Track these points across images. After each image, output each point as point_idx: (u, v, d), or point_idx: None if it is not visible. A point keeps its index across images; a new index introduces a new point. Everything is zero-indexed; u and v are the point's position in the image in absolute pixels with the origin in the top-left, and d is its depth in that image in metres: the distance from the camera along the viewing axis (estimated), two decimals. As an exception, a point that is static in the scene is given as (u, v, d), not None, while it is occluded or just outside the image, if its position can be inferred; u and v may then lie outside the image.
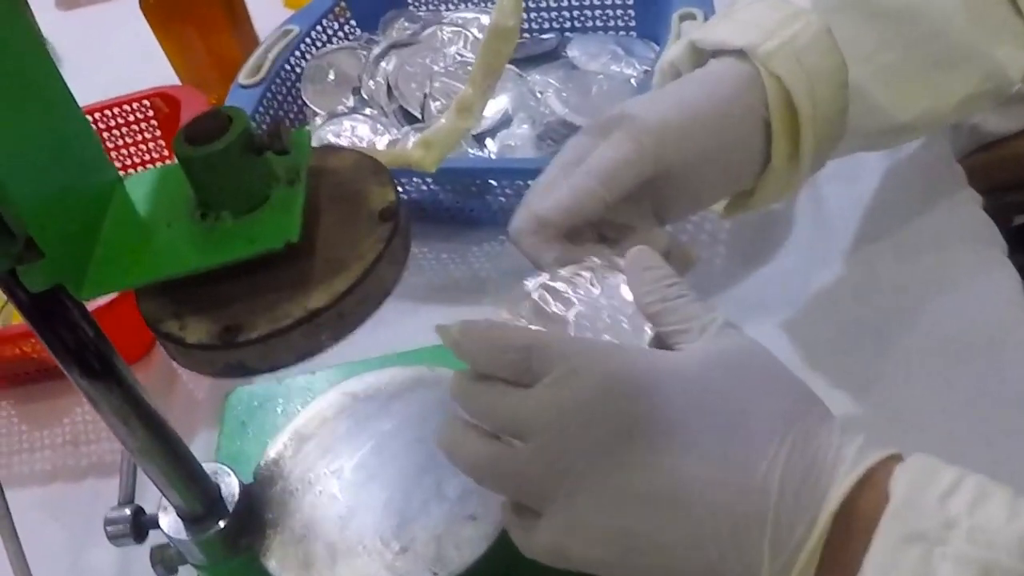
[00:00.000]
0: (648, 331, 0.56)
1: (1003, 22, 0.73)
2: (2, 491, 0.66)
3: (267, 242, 0.50)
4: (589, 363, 0.52)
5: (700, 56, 0.72)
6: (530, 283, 0.61)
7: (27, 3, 0.49)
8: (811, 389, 0.52)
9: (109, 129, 1.15)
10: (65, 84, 0.53)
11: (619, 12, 1.14)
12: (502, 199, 0.92)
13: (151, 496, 0.70)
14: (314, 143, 1.00)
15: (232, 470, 0.71)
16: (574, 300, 0.59)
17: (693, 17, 0.98)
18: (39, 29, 0.50)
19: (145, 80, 1.18)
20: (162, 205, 0.55)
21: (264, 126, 0.84)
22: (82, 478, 0.91)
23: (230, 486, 0.70)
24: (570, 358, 0.52)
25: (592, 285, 0.60)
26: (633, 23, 1.14)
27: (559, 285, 0.60)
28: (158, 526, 0.69)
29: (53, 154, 0.52)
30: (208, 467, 0.69)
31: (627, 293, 0.58)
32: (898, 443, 0.49)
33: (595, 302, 0.59)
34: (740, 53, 0.67)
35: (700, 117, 0.65)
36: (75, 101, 0.54)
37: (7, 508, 0.66)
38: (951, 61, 0.72)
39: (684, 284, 0.57)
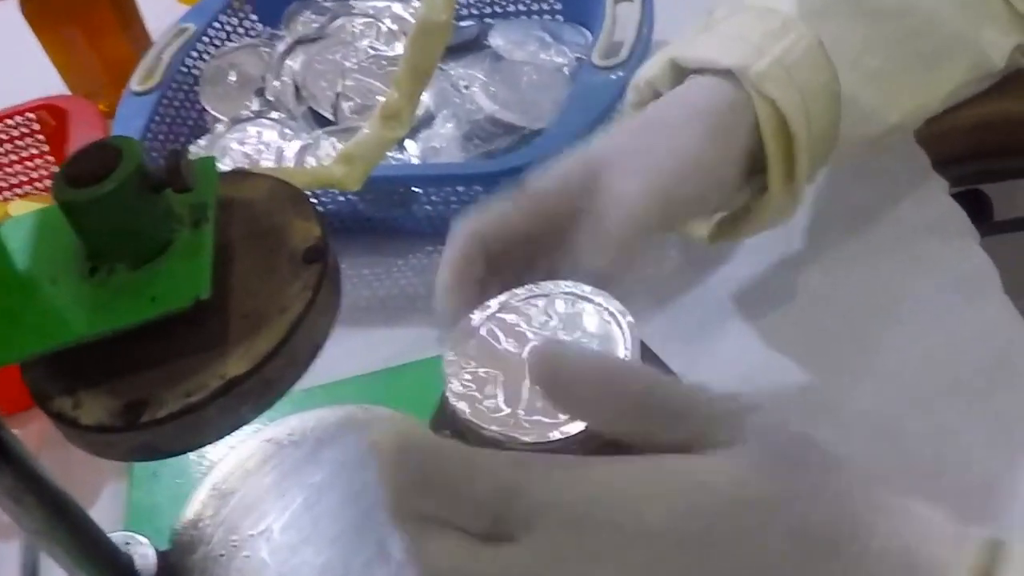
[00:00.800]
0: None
1: (986, 7, 0.70)
2: None
3: (172, 301, 0.42)
4: (605, 508, 0.38)
5: (680, 73, 0.66)
6: (476, 316, 0.53)
7: None
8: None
9: (-11, 146, 1.05)
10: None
11: (544, -6, 1.06)
12: (428, 207, 0.84)
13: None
14: (216, 153, 0.93)
15: (146, 538, 0.63)
16: (528, 334, 0.51)
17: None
18: None
19: (29, 91, 1.08)
20: (44, 257, 0.47)
21: (158, 154, 0.76)
22: None
23: (145, 557, 0.63)
24: (576, 505, 0.38)
25: (548, 315, 0.52)
26: (559, 6, 1.06)
27: (509, 317, 0.52)
28: (65, 609, 0.62)
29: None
30: (118, 537, 0.63)
31: (590, 322, 0.50)
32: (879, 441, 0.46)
33: (553, 335, 0.51)
34: (727, 72, 0.62)
35: (695, 160, 0.60)
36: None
37: None
38: (938, 55, 0.69)
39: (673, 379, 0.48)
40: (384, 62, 0.99)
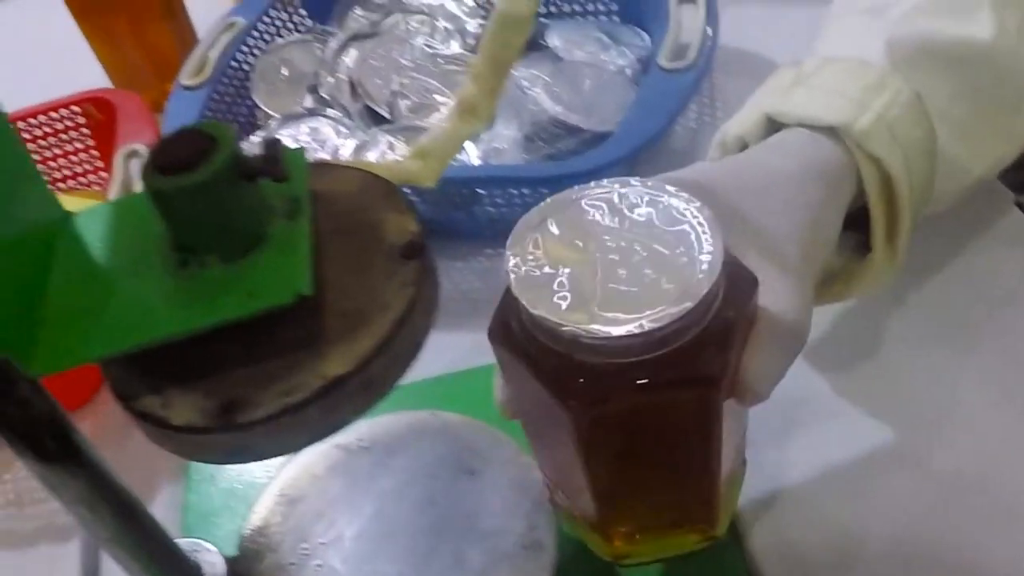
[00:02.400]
0: (705, 258, 0.45)
1: None
2: None
3: (271, 296, 0.40)
4: None
5: (775, 129, 0.64)
6: (534, 215, 0.50)
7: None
8: None
9: (35, 140, 1.04)
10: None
11: (600, -5, 1.05)
12: (491, 209, 0.82)
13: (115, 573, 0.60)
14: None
15: (213, 545, 0.62)
16: (598, 229, 0.48)
17: (693, 1, 0.91)
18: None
19: (73, 83, 1.06)
20: (125, 249, 0.45)
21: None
22: (31, 545, 0.81)
23: (213, 565, 0.61)
24: None
25: (620, 211, 0.49)
26: (615, 7, 1.05)
27: (575, 213, 0.50)
28: (130, 616, 0.60)
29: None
30: (185, 544, 0.61)
31: (675, 223, 0.48)
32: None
33: (627, 228, 0.48)
34: (827, 129, 0.61)
35: (822, 218, 0.58)
36: (5, 118, 0.44)
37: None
38: (1019, 101, 0.67)
39: None
40: (440, 60, 0.97)
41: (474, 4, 1.07)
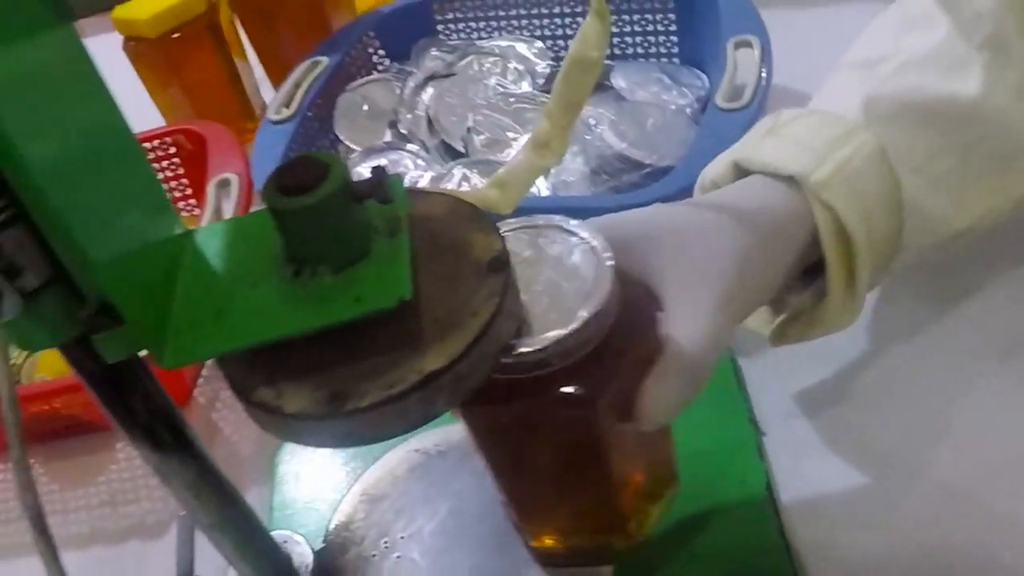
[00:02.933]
0: (595, 295, 0.52)
1: None
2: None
3: (376, 301, 0.46)
4: None
5: (743, 175, 0.67)
6: None
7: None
8: None
9: (128, 168, 1.10)
10: (129, 128, 0.48)
11: (661, 39, 1.11)
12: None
13: (209, 564, 0.67)
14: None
15: (302, 537, 0.67)
16: (516, 253, 0.55)
17: (749, 45, 0.96)
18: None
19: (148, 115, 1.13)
20: (242, 261, 0.51)
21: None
22: (123, 541, 0.86)
23: (302, 556, 0.67)
24: None
25: (537, 245, 0.56)
26: (676, 50, 1.11)
27: None
28: (220, 600, 0.65)
29: (123, 206, 0.48)
30: (277, 535, 0.66)
31: (579, 259, 0.54)
32: None
33: (538, 261, 0.55)
34: (788, 178, 0.63)
35: (747, 264, 0.60)
36: (140, 146, 0.50)
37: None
38: (1009, 158, 0.68)
39: None
40: (511, 99, 1.03)
41: (543, 47, 1.13)
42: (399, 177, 0.51)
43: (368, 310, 0.45)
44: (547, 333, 0.50)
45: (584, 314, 0.51)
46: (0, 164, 0.39)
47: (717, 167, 0.69)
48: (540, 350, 0.50)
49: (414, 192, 0.54)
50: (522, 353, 0.51)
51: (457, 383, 0.46)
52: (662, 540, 0.67)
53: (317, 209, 0.46)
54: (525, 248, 0.56)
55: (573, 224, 0.56)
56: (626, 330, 0.54)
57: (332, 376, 0.47)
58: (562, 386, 0.52)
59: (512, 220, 0.57)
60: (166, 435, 0.53)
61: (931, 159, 0.66)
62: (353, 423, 0.46)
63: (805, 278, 0.66)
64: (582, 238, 0.55)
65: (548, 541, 0.65)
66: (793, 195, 0.63)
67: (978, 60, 0.66)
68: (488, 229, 0.51)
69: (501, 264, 0.49)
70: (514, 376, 0.51)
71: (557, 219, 0.56)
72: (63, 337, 0.46)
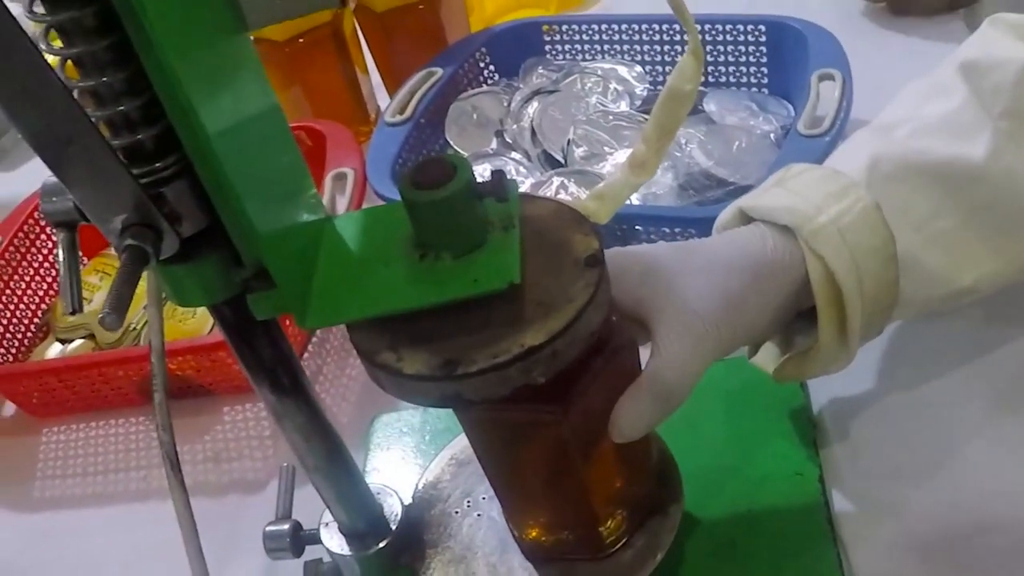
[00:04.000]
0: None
1: None
2: (187, 494, 0.68)
3: (490, 283, 0.53)
4: None
5: (747, 221, 0.71)
6: None
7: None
8: None
9: (252, 160, 1.18)
10: (285, 118, 0.56)
11: (752, 70, 1.18)
12: (646, 243, 0.95)
13: (303, 513, 0.74)
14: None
15: (394, 491, 0.74)
16: None
17: (832, 78, 1.02)
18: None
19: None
20: (375, 244, 0.58)
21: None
22: (223, 494, 0.93)
23: (392, 506, 0.73)
24: None
25: None
26: (765, 80, 1.18)
27: None
28: (316, 542, 0.72)
29: (279, 185, 0.56)
30: (373, 487, 0.73)
31: None
32: None
33: None
34: (785, 227, 0.67)
35: (737, 304, 0.65)
36: (291, 136, 0.58)
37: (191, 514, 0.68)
38: (1017, 226, 0.70)
39: None
40: (610, 117, 1.10)
41: (641, 71, 1.21)
42: (514, 182, 0.59)
43: (482, 291, 0.53)
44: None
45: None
46: (180, 130, 0.46)
47: (726, 213, 0.73)
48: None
49: (525, 196, 0.62)
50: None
51: (552, 358, 0.53)
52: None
53: (444, 203, 0.53)
54: None
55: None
56: (606, 352, 0.60)
57: (446, 346, 0.54)
58: (534, 400, 0.58)
59: None
60: (285, 379, 0.61)
61: (932, 217, 0.68)
62: (462, 386, 0.53)
63: (812, 320, 0.68)
64: None
65: (532, 534, 0.71)
66: (789, 243, 0.66)
67: (991, 128, 0.69)
68: (587, 231, 0.58)
69: (597, 260, 0.56)
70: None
71: None
72: (217, 297, 0.54)
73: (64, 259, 0.52)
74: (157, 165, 0.47)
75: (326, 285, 0.57)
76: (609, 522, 0.68)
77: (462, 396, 0.54)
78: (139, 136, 0.46)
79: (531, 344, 0.53)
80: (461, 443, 0.79)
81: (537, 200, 0.62)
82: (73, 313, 0.53)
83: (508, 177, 0.57)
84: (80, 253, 0.55)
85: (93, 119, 0.44)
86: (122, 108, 0.45)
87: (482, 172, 1.06)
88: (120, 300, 0.45)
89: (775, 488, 0.76)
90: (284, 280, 0.52)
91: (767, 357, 0.75)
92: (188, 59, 0.45)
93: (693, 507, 0.75)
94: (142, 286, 0.52)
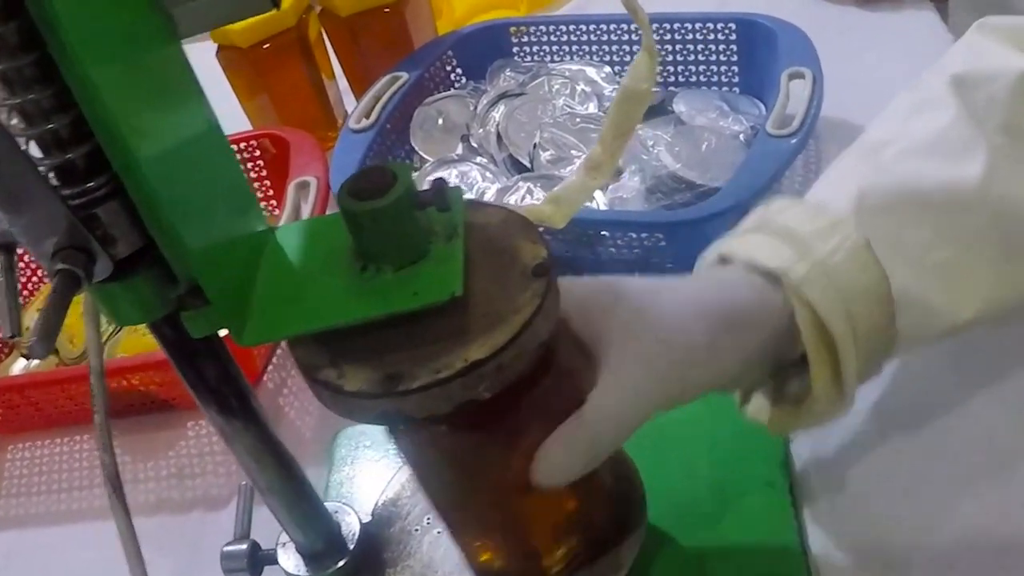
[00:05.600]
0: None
1: None
2: (129, 518, 0.66)
3: (432, 295, 0.52)
4: None
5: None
6: None
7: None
8: None
9: (217, 167, 1.16)
10: (221, 131, 0.54)
11: (723, 68, 1.16)
12: (612, 250, 0.93)
13: (263, 532, 0.72)
14: (424, 187, 1.04)
15: (352, 509, 0.73)
16: None
17: (802, 76, 1.01)
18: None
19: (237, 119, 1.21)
20: (315, 256, 0.57)
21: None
22: (188, 511, 0.92)
23: (350, 525, 0.72)
24: None
25: None
26: (736, 79, 1.16)
27: None
28: (274, 562, 0.71)
29: (214, 201, 0.54)
30: (330, 506, 0.72)
31: None
32: None
33: None
34: (767, 274, 0.62)
35: (704, 350, 0.60)
36: (231, 149, 0.56)
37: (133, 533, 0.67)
38: (1017, 244, 0.66)
39: None
40: (577, 119, 1.09)
41: (610, 72, 1.19)
42: (459, 189, 0.57)
43: (423, 304, 0.51)
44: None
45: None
46: (107, 147, 0.44)
47: (710, 253, 0.68)
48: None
49: (473, 203, 0.60)
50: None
51: (498, 372, 0.52)
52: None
53: (383, 213, 0.52)
54: None
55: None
56: (555, 372, 0.57)
57: (388, 360, 0.52)
58: (480, 417, 0.55)
59: None
60: (233, 400, 0.59)
61: (928, 250, 0.64)
62: (404, 402, 0.52)
63: (803, 366, 0.64)
64: None
65: (481, 558, 0.69)
66: (772, 289, 0.62)
67: (986, 146, 0.65)
68: (536, 239, 0.57)
69: (544, 269, 0.54)
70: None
71: None
72: (155, 315, 0.52)
73: (2, 282, 0.51)
74: (89, 185, 0.46)
75: (265, 300, 0.55)
76: (556, 552, 0.66)
77: (404, 413, 0.52)
78: (69, 155, 0.45)
79: (475, 358, 0.51)
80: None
81: (485, 207, 0.60)
82: (12, 337, 0.52)
83: (454, 185, 0.56)
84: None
85: (22, 138, 0.43)
86: (51, 126, 0.44)
87: (445, 177, 1.04)
88: (48, 327, 0.44)
89: (745, 504, 0.75)
90: (219, 297, 0.51)
91: (759, 407, 0.70)
92: (110, 71, 0.43)
93: (661, 523, 0.73)
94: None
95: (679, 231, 0.88)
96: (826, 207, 0.65)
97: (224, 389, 0.59)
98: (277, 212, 1.06)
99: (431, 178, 1.01)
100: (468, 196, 1.00)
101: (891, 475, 0.75)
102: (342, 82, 1.34)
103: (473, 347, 0.51)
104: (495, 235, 0.58)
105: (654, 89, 1.11)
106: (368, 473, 0.86)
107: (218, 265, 0.52)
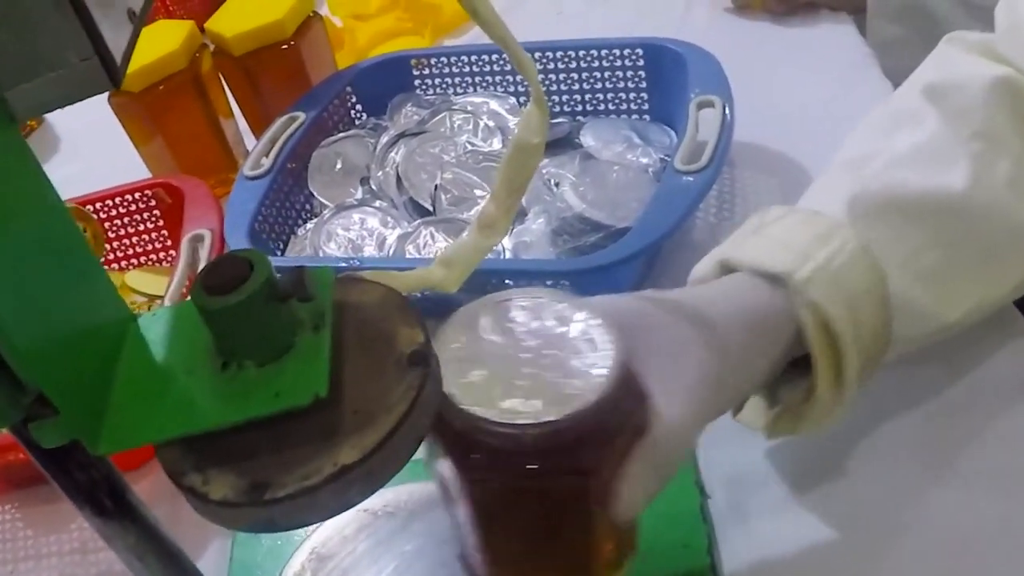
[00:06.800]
0: (597, 372, 0.54)
1: None
2: None
3: (294, 397, 0.48)
4: None
5: (728, 272, 0.69)
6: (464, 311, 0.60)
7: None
8: None
9: (111, 219, 1.13)
10: (68, 214, 0.50)
11: (632, 96, 1.13)
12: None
13: None
14: (322, 237, 1.00)
15: None
16: (518, 325, 0.58)
17: (711, 105, 0.97)
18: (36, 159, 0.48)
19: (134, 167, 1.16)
20: (179, 350, 0.53)
21: (268, 236, 0.82)
22: None
23: None
24: None
25: (540, 318, 0.58)
26: (646, 107, 1.13)
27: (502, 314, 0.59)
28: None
29: (58, 293, 0.50)
30: None
31: (587, 336, 0.56)
32: None
33: (541, 333, 0.57)
34: (773, 276, 0.65)
35: (734, 361, 0.62)
36: (79, 232, 0.52)
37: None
38: (1000, 247, 0.70)
39: None
40: (480, 157, 1.05)
41: (515, 103, 1.15)
42: (326, 269, 0.53)
43: (285, 406, 0.48)
44: (555, 410, 0.53)
45: (591, 395, 0.53)
46: None
47: (704, 267, 0.70)
48: (550, 423, 0.53)
49: (347, 280, 0.56)
50: (534, 424, 0.53)
51: (369, 477, 0.48)
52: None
53: (238, 309, 0.48)
54: (532, 319, 0.58)
55: (575, 301, 0.59)
56: (618, 410, 0.55)
57: (255, 465, 0.49)
58: (565, 459, 0.54)
59: (517, 289, 0.60)
60: (107, 501, 0.55)
61: (916, 254, 0.67)
62: (272, 512, 0.48)
63: (798, 370, 0.66)
64: (588, 318, 0.57)
65: None
66: (777, 293, 0.64)
67: (965, 153, 0.68)
68: (413, 321, 0.53)
69: (421, 358, 0.51)
70: (514, 446, 0.54)
71: (560, 294, 0.59)
72: (11, 421, 0.48)
73: None
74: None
75: (123, 401, 0.51)
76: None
77: (275, 523, 0.49)
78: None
79: (344, 463, 0.47)
80: (322, 535, 0.74)
81: (360, 284, 0.57)
82: None
83: (316, 268, 0.52)
84: None
85: None
86: None
87: (345, 224, 1.00)
88: None
89: (662, 570, 0.71)
90: (68, 403, 0.47)
91: (754, 414, 0.71)
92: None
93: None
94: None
95: (586, 278, 0.84)
96: (822, 214, 0.68)
97: (96, 491, 0.54)
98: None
99: (331, 225, 0.98)
100: (369, 246, 0.97)
101: (812, 534, 0.73)
102: (242, 122, 1.29)
103: (344, 449, 0.48)
104: (370, 317, 0.54)
105: (560, 120, 1.09)
106: (274, 547, 0.81)
107: (65, 367, 0.48)
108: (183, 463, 0.50)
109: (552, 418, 0.52)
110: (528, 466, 0.54)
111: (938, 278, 0.68)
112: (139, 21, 0.46)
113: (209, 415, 0.49)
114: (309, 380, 0.48)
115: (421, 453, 0.54)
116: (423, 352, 0.51)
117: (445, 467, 0.58)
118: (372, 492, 0.49)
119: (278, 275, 0.49)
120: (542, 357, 0.56)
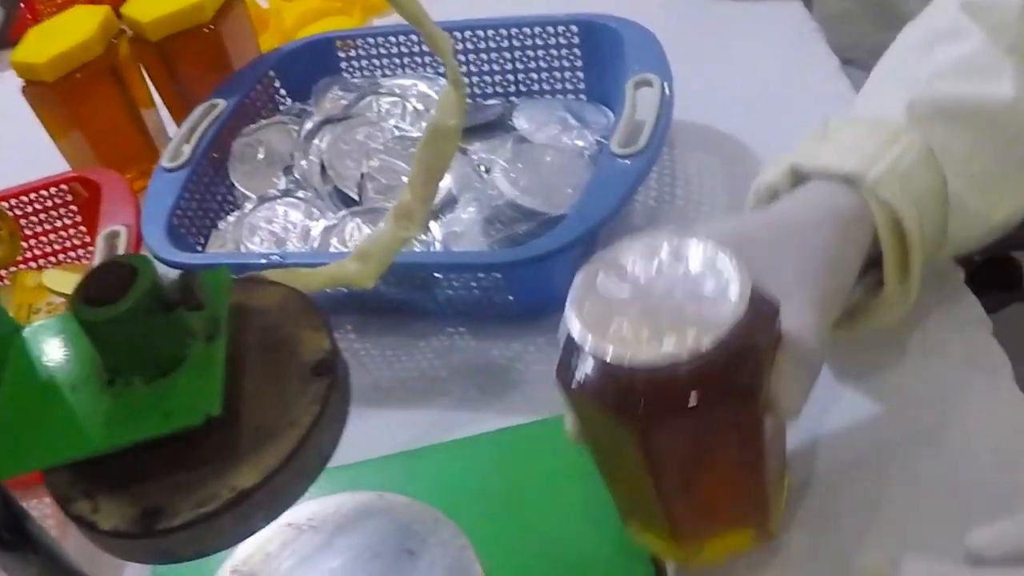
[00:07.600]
0: (733, 294, 0.53)
1: None
2: None
3: (184, 417, 0.44)
4: None
5: (799, 179, 0.71)
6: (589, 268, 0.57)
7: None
8: None
9: (26, 216, 1.07)
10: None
11: (567, 75, 1.08)
12: (449, 291, 0.85)
13: None
14: (245, 230, 0.96)
15: None
16: (645, 270, 0.56)
17: (649, 84, 0.93)
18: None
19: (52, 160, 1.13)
20: (65, 364, 0.49)
21: (187, 231, 0.78)
22: None
23: None
24: None
25: (661, 259, 0.57)
26: (582, 86, 1.08)
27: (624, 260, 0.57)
28: None
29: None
30: None
31: (707, 258, 0.56)
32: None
33: (668, 273, 0.56)
34: (844, 179, 0.67)
35: (834, 264, 0.65)
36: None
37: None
38: None
39: None
40: (408, 142, 0.99)
41: (446, 84, 1.10)
42: (223, 271, 0.49)
43: (176, 427, 0.44)
44: (704, 336, 0.52)
45: (735, 315, 0.52)
46: None
47: (775, 173, 0.72)
48: (705, 351, 0.51)
49: (248, 282, 0.52)
50: (689, 356, 0.52)
51: (273, 498, 0.44)
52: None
53: (120, 320, 0.44)
54: (650, 262, 0.57)
55: (683, 233, 0.58)
56: (757, 327, 0.56)
57: (148, 490, 0.45)
58: (727, 383, 0.54)
59: (639, 237, 0.58)
60: (5, 534, 0.51)
61: (968, 159, 0.70)
62: (168, 542, 0.44)
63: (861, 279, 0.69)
64: (707, 248, 0.56)
65: (693, 546, 0.65)
66: (852, 196, 0.66)
67: (1010, 65, 0.71)
68: (318, 325, 0.49)
69: (327, 367, 0.47)
70: (673, 382, 0.53)
71: (664, 232, 0.58)
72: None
73: None
74: None
75: (8, 424, 0.47)
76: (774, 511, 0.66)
77: (172, 554, 0.45)
78: None
79: (243, 487, 0.44)
80: (243, 552, 0.70)
81: (263, 287, 0.53)
82: None
83: (210, 271, 0.48)
84: None
85: None
86: None
87: (268, 217, 0.96)
88: None
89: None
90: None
91: None
92: None
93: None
94: None
95: (519, 269, 0.80)
96: (886, 119, 0.71)
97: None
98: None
99: (253, 217, 0.93)
100: (292, 238, 0.93)
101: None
102: (164, 110, 1.23)
103: (243, 472, 0.44)
104: (272, 323, 0.50)
105: (493, 102, 1.05)
106: (196, 568, 0.76)
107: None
108: (71, 489, 0.46)
109: (709, 347, 0.51)
110: (700, 397, 0.54)
111: (986, 182, 0.71)
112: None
113: (94, 439, 0.45)
114: (201, 397, 0.44)
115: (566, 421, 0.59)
116: (329, 360, 0.47)
117: (606, 427, 0.57)
118: (279, 515, 0.45)
119: (168, 281, 0.45)
120: (675, 293, 0.55)
